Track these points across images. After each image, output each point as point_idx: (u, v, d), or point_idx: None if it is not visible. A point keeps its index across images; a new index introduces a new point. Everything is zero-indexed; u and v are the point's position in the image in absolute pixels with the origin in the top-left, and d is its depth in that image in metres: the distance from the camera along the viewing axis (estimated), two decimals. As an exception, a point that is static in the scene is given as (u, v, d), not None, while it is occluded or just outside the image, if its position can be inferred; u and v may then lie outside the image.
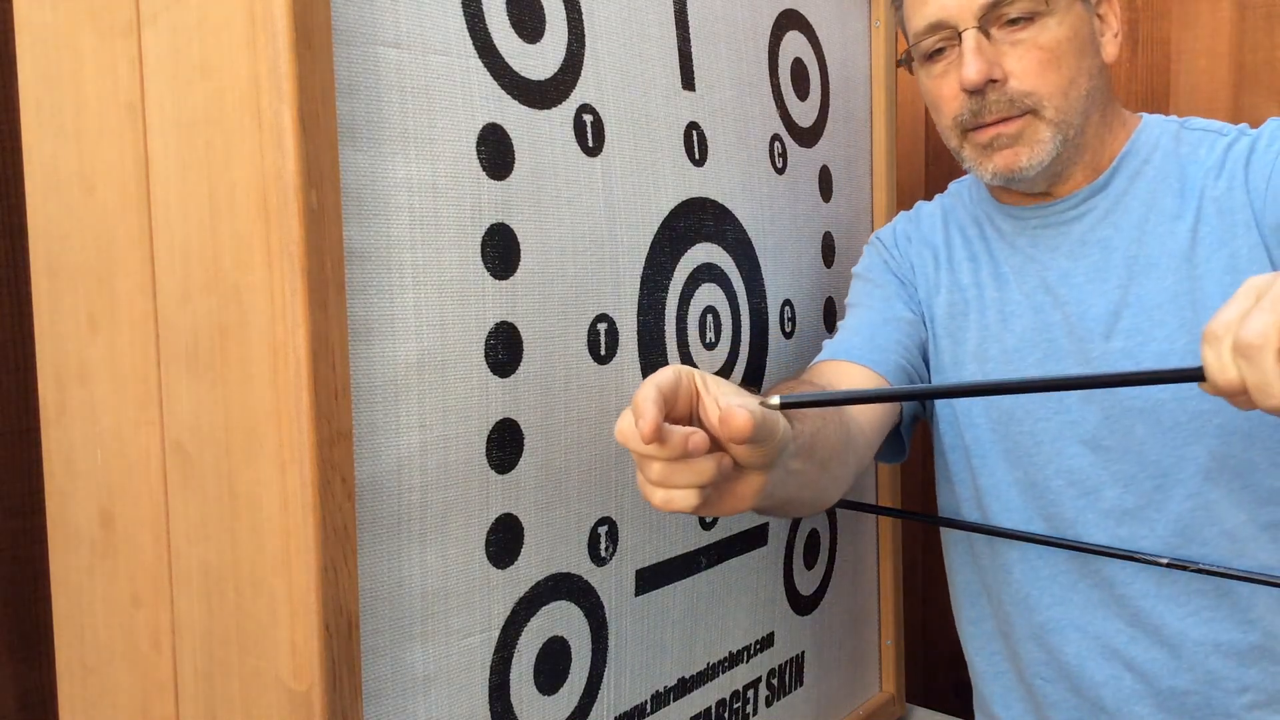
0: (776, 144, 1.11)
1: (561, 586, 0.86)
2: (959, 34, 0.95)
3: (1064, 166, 1.00)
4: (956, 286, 1.10)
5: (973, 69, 0.94)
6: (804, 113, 1.17)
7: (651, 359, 0.93)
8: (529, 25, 0.82)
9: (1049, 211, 1.03)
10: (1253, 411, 0.87)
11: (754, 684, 1.10)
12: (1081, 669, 1.03)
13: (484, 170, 0.78)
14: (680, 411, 0.67)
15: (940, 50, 0.98)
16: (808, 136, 1.17)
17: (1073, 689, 1.04)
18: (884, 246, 1.16)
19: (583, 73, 0.87)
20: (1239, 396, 0.61)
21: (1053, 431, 1.01)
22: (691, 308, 0.98)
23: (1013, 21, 0.94)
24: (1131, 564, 0.97)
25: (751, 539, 1.08)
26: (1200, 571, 0.93)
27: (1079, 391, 1.00)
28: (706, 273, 1.00)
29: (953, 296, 1.09)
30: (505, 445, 0.80)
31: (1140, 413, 0.96)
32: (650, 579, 0.95)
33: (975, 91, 0.95)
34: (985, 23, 0.94)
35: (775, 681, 1.14)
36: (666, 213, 0.95)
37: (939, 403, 1.11)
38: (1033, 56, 0.94)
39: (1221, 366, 0.60)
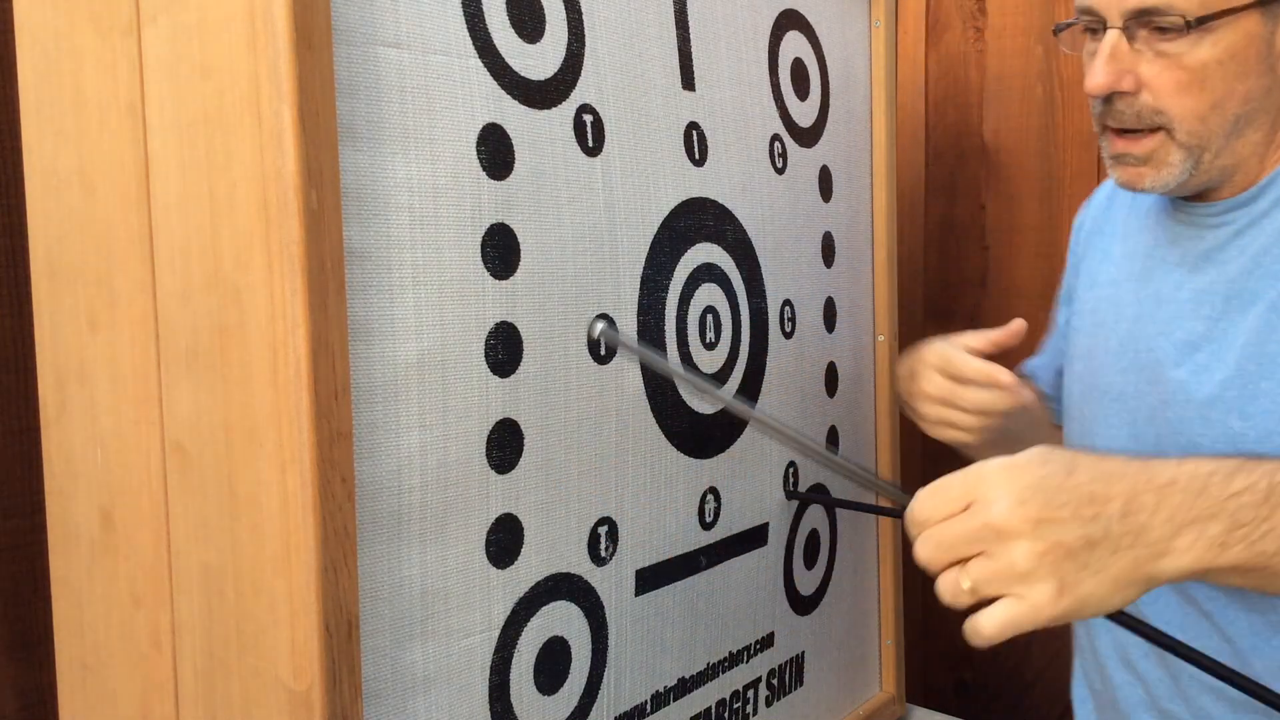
0: (776, 144, 1.11)
1: (561, 586, 0.86)
2: (1105, 27, 0.87)
3: (1206, 181, 0.90)
4: (1103, 269, 1.05)
5: (1099, 77, 0.86)
6: (804, 113, 1.17)
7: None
8: (529, 25, 0.82)
9: (1194, 213, 0.94)
10: None
11: (754, 684, 1.10)
12: (1106, 666, 1.03)
13: (484, 170, 0.78)
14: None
15: (1094, 30, 0.89)
16: (808, 136, 1.17)
17: (1103, 683, 1.05)
18: (1076, 224, 1.13)
19: (583, 73, 0.87)
20: None
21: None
22: (691, 308, 0.98)
23: (1162, 30, 0.84)
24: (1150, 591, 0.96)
25: (751, 539, 1.08)
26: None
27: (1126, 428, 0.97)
28: (706, 273, 1.00)
29: (1095, 285, 1.05)
30: (505, 445, 0.80)
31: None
32: (650, 579, 0.95)
33: (1107, 97, 0.88)
34: (1132, 25, 0.85)
35: (775, 681, 1.14)
36: (666, 213, 0.95)
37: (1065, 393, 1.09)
38: (1172, 75, 0.85)
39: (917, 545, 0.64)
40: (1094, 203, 1.13)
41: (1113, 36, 0.86)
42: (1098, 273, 1.06)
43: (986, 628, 0.63)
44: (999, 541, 0.62)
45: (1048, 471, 0.63)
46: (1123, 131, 0.89)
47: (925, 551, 0.64)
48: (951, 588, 0.63)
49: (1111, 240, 1.06)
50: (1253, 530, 0.63)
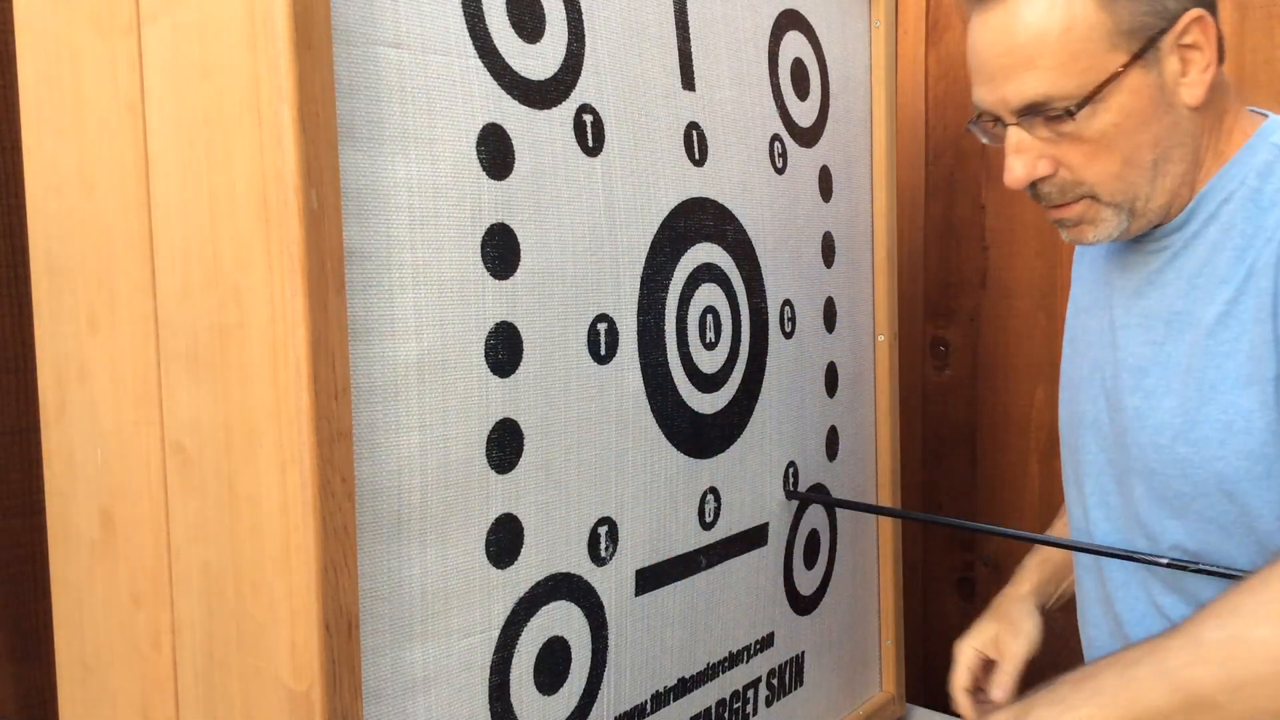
0: (776, 144, 1.11)
1: (561, 586, 0.86)
2: (1004, 125, 0.90)
3: (1149, 221, 0.92)
4: (1079, 295, 1.08)
5: (1013, 173, 0.89)
6: (804, 113, 1.17)
7: (651, 359, 0.93)
8: (529, 25, 0.82)
9: (1140, 240, 0.96)
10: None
11: (754, 684, 1.10)
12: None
13: (484, 170, 0.78)
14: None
15: (999, 123, 0.92)
16: (808, 136, 1.17)
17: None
18: (1075, 251, 1.13)
19: (583, 73, 0.87)
20: None
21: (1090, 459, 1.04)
22: (691, 308, 0.98)
23: (1066, 114, 0.86)
24: (1133, 594, 0.98)
25: (751, 539, 1.08)
26: (1199, 572, 0.93)
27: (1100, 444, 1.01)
28: (706, 273, 1.00)
29: (1074, 311, 1.09)
30: (505, 445, 0.80)
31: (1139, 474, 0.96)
32: (650, 579, 0.95)
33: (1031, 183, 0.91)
34: (1026, 120, 0.88)
35: (775, 681, 1.14)
36: (666, 213, 0.95)
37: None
38: (1078, 150, 0.88)
39: None
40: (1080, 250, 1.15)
41: (1013, 133, 0.89)
42: (1077, 298, 1.09)
43: None
44: None
45: None
46: (1054, 205, 0.91)
47: None
48: None
49: (1086, 266, 1.09)
50: None
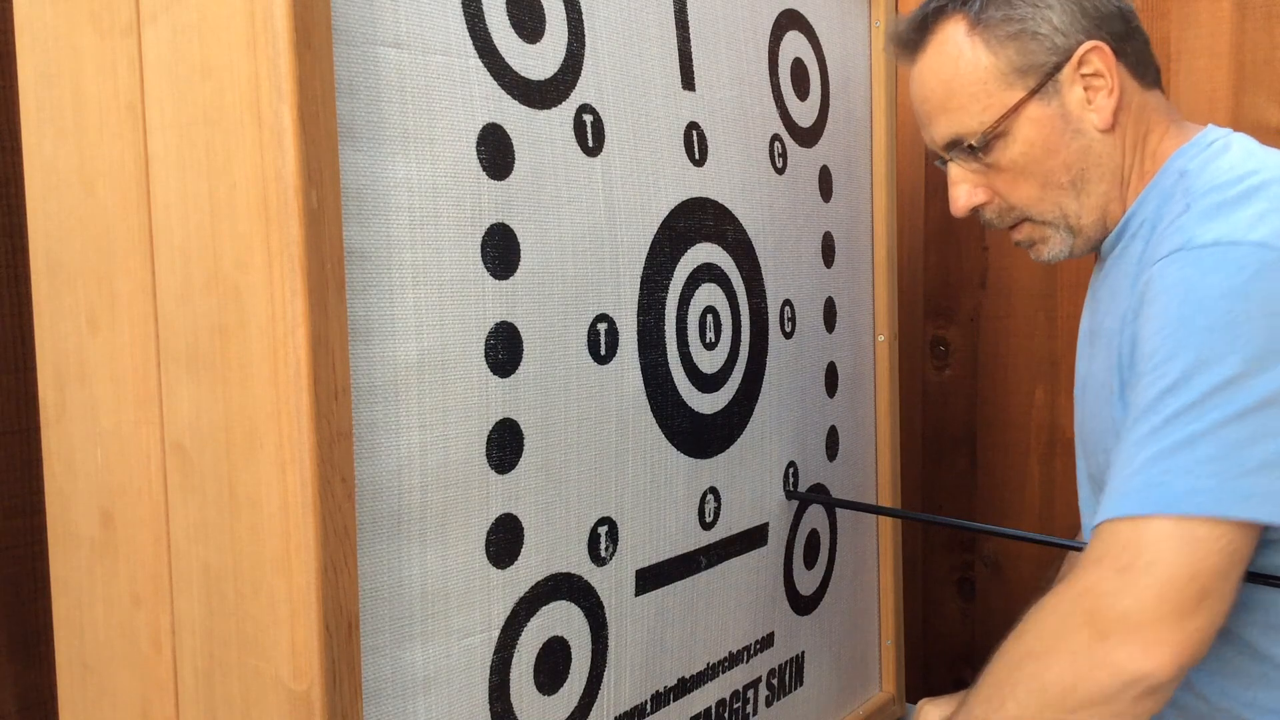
0: (776, 144, 1.11)
1: (561, 586, 0.86)
2: (944, 162, 1.01)
3: (1093, 236, 0.99)
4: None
5: (955, 203, 1.00)
6: (804, 113, 1.17)
7: (651, 359, 0.93)
8: (529, 25, 0.82)
9: (1097, 258, 1.04)
10: None
11: (754, 684, 1.10)
12: None
13: (484, 170, 0.78)
14: None
15: (940, 159, 1.03)
16: (808, 136, 1.17)
17: None
18: None
19: (583, 73, 0.87)
20: None
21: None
22: (691, 308, 0.98)
23: (972, 150, 0.97)
24: None
25: (751, 539, 1.08)
26: None
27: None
28: (706, 273, 1.00)
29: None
30: (505, 445, 0.80)
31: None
32: (650, 579, 0.95)
33: (973, 210, 1.00)
34: (954, 155, 0.99)
35: (775, 681, 1.14)
36: (666, 213, 0.95)
37: None
38: (1000, 178, 0.97)
39: None
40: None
41: (951, 168, 1.00)
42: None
43: None
44: None
45: None
46: (1008, 229, 1.02)
47: None
48: None
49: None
50: None
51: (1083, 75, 0.94)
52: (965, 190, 0.99)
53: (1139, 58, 0.97)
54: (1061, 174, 0.96)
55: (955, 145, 0.98)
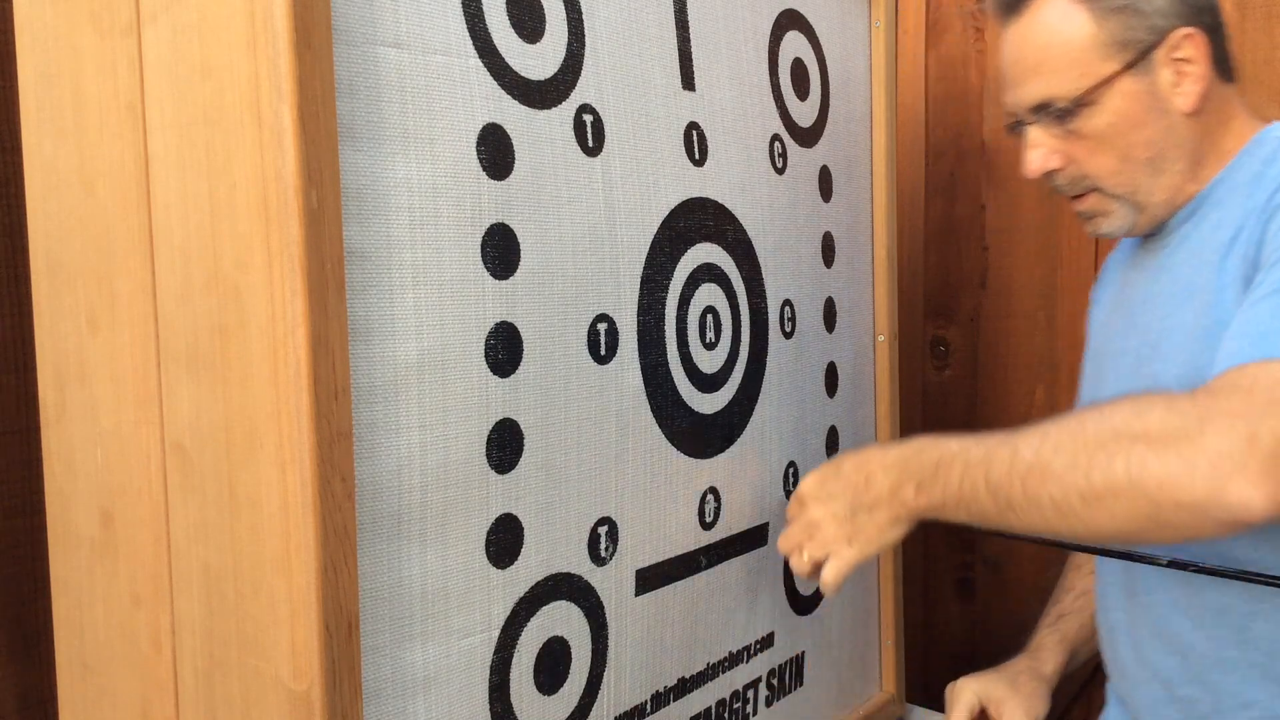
0: (776, 144, 1.11)
1: (561, 586, 0.86)
2: (1024, 125, 1.03)
3: (1156, 215, 1.02)
4: (1094, 323, 1.19)
5: (1029, 165, 1.03)
6: (804, 113, 1.17)
7: (651, 359, 0.93)
8: (529, 25, 0.82)
9: (1150, 240, 1.07)
10: None
11: (754, 684, 1.10)
12: (1128, 672, 1.07)
13: (484, 170, 0.78)
14: None
15: (1021, 122, 1.05)
16: (808, 136, 1.17)
17: (1129, 691, 1.09)
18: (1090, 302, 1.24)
19: (583, 73, 0.87)
20: None
21: None
22: (691, 308, 0.98)
23: (1060, 116, 0.99)
24: (1155, 574, 1.00)
25: (751, 539, 1.08)
26: (1198, 571, 0.93)
27: None
28: (706, 273, 1.00)
29: (1091, 339, 1.18)
30: (505, 445, 0.80)
31: None
32: (650, 579, 0.95)
33: (1045, 174, 1.03)
34: (1039, 116, 1.01)
35: (775, 681, 1.14)
36: (666, 213, 0.95)
37: None
38: (1081, 145, 1.00)
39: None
40: (1098, 282, 1.23)
41: (1031, 131, 1.03)
42: (1096, 323, 1.17)
43: (827, 577, 0.95)
44: (814, 527, 0.97)
45: (826, 474, 0.98)
46: (1073, 197, 1.05)
47: (784, 546, 1.00)
48: (799, 565, 0.98)
49: (1104, 291, 1.18)
50: (930, 486, 0.89)
51: (1174, 59, 0.98)
52: (1042, 154, 1.02)
53: (1223, 51, 1.01)
54: (1141, 150, 0.99)
55: (1043, 108, 1.00)
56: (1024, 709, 1.11)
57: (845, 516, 0.94)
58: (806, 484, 0.99)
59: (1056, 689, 1.16)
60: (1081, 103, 0.98)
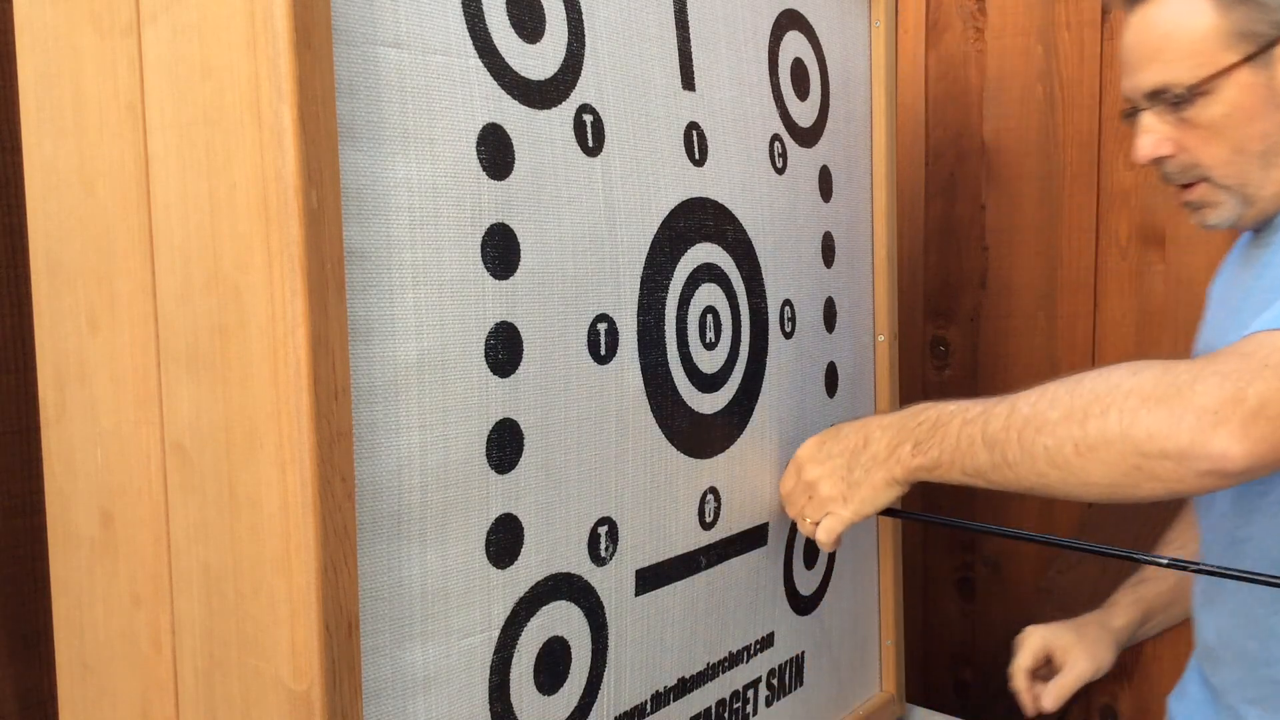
0: (776, 144, 1.11)
1: (561, 586, 0.86)
2: (1138, 109, 1.04)
3: (1264, 209, 1.02)
4: (1206, 321, 1.19)
5: (1140, 150, 1.04)
6: (804, 113, 1.17)
7: (651, 359, 0.93)
8: (529, 25, 0.82)
9: (1260, 234, 1.07)
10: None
11: (754, 684, 1.10)
12: (1210, 650, 1.10)
13: (484, 170, 0.78)
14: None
15: (1136, 109, 1.06)
16: (808, 136, 1.17)
17: (1210, 667, 1.12)
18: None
19: (583, 73, 0.87)
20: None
21: None
22: (691, 308, 0.98)
23: (1175, 103, 1.00)
24: (1199, 577, 1.04)
25: (751, 539, 1.08)
26: (1198, 571, 0.93)
27: None
28: (706, 273, 1.00)
29: (1208, 323, 1.18)
30: (505, 445, 0.80)
31: None
32: (650, 579, 0.95)
33: (1156, 161, 1.04)
34: (1154, 103, 1.02)
35: (775, 681, 1.14)
36: (666, 213, 0.95)
37: None
38: (1194, 134, 1.00)
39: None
40: (1214, 278, 1.23)
41: (1144, 117, 1.03)
42: (1203, 328, 1.18)
43: (823, 536, 1.00)
44: (812, 489, 1.01)
45: (825, 436, 1.02)
46: (1181, 187, 1.04)
47: (791, 511, 1.05)
48: (803, 528, 1.03)
49: (1212, 301, 1.18)
50: (926, 444, 0.92)
51: None
52: (1153, 140, 1.02)
53: None
54: (1255, 142, 0.99)
55: (1158, 95, 1.01)
56: (1088, 654, 1.14)
57: (842, 475, 0.98)
58: (804, 448, 1.02)
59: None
60: (1198, 91, 0.98)
